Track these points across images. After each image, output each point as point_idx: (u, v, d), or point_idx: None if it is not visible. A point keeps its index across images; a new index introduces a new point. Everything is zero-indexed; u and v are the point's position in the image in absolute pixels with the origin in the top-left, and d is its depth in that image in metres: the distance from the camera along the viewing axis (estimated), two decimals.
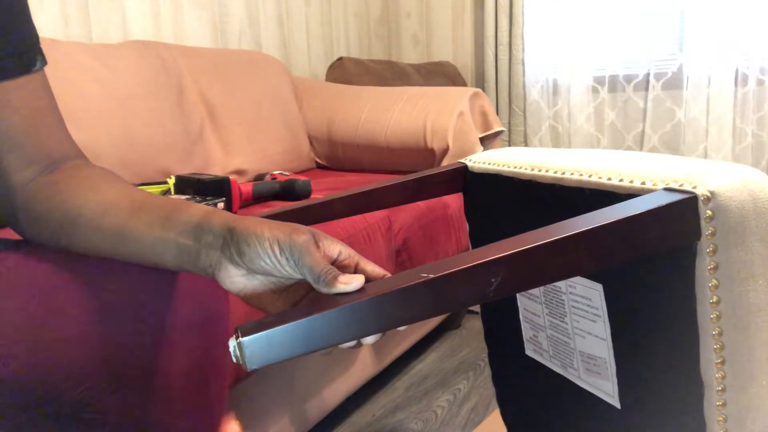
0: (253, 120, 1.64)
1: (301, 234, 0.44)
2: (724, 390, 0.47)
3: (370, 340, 0.44)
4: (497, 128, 1.68)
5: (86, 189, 0.52)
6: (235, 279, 0.45)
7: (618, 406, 0.59)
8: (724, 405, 0.47)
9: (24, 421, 0.45)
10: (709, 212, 0.44)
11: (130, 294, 0.54)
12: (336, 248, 0.46)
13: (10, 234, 0.58)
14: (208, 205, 0.97)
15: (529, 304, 0.70)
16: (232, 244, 0.44)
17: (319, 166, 1.87)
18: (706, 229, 0.44)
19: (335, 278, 0.40)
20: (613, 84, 2.20)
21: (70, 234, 0.52)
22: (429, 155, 1.59)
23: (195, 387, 0.54)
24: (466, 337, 1.65)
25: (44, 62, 0.56)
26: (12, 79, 0.52)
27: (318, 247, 0.44)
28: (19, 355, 0.46)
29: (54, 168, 0.55)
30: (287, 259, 0.42)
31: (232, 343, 0.37)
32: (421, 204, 1.26)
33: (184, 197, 1.03)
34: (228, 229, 0.44)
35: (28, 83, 0.53)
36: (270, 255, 0.42)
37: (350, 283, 0.40)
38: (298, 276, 0.43)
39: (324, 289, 0.41)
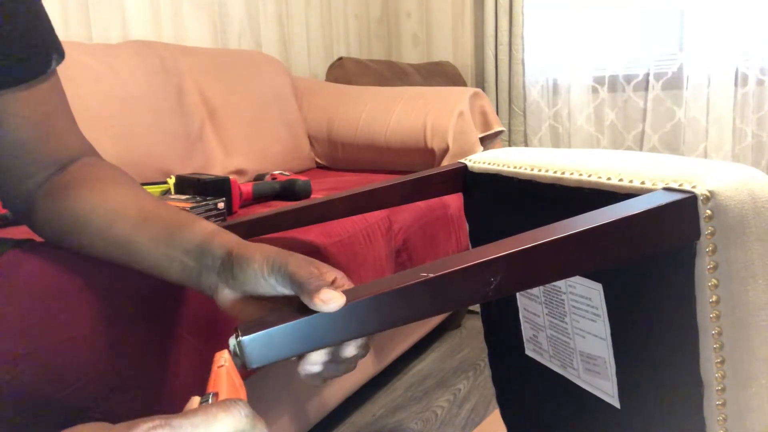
0: (253, 120, 1.64)
1: (294, 254, 0.42)
2: (723, 389, 0.47)
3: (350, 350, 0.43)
4: (497, 128, 1.68)
5: (95, 193, 0.51)
6: (232, 302, 0.44)
7: (618, 405, 0.59)
8: (723, 404, 0.47)
9: (27, 423, 0.45)
10: (708, 212, 0.44)
11: (138, 297, 0.54)
12: (332, 275, 0.43)
13: (21, 233, 0.58)
14: (209, 205, 0.97)
15: (529, 304, 0.70)
16: (228, 269, 0.43)
17: (319, 166, 1.87)
18: (706, 229, 0.44)
19: (318, 289, 0.37)
20: (613, 84, 2.20)
21: (79, 239, 0.52)
22: (429, 155, 1.59)
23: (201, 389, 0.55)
24: (466, 337, 1.65)
25: (60, 59, 0.55)
26: (23, 86, 0.51)
27: (312, 266, 0.42)
28: (25, 357, 0.45)
29: (64, 168, 0.55)
30: (275, 278, 0.41)
31: (232, 341, 0.37)
32: (421, 204, 1.26)
33: (184, 197, 1.03)
34: (226, 253, 0.44)
35: (39, 87, 0.53)
36: (259, 276, 0.41)
37: (328, 302, 0.37)
38: (289, 292, 0.41)
39: (306, 300, 0.38)
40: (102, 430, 0.29)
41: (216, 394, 0.33)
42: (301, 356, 0.44)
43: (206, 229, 0.47)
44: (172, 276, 0.48)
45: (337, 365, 0.43)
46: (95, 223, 0.50)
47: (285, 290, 0.41)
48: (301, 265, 0.40)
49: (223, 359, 0.36)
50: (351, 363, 0.43)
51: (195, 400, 0.33)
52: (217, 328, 0.62)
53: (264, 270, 0.41)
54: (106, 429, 0.29)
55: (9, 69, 0.50)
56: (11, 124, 0.51)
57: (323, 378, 0.44)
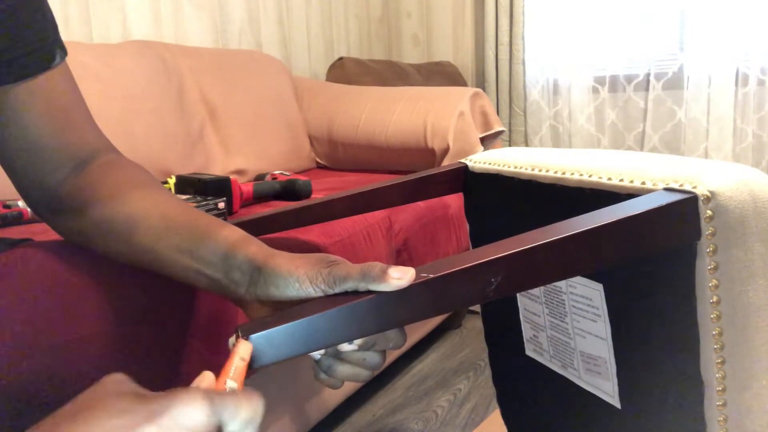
0: (253, 120, 1.64)
1: (324, 256, 0.42)
2: (724, 390, 0.47)
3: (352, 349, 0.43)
4: (498, 128, 1.68)
5: (115, 200, 0.51)
6: (262, 315, 0.44)
7: (618, 406, 0.59)
8: (724, 405, 0.47)
9: (30, 424, 0.45)
10: (709, 212, 0.44)
11: (144, 295, 0.54)
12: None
13: (21, 233, 0.58)
14: (209, 205, 0.97)
15: (530, 304, 0.70)
16: (259, 285, 0.43)
17: (320, 166, 1.87)
18: (706, 229, 0.44)
19: (384, 271, 0.38)
20: (614, 84, 2.20)
21: (104, 246, 0.51)
22: (429, 155, 1.59)
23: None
24: (466, 337, 1.65)
25: (64, 54, 0.54)
26: (32, 78, 0.51)
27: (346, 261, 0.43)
28: (30, 356, 0.45)
29: (83, 167, 0.54)
30: (323, 286, 0.41)
31: (233, 342, 0.37)
32: (421, 204, 1.26)
33: (184, 197, 1.03)
34: (254, 268, 0.43)
35: (49, 80, 0.52)
36: (302, 289, 0.41)
37: (404, 275, 0.38)
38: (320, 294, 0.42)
39: (375, 286, 0.38)
40: (133, 398, 0.29)
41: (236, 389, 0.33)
42: (317, 362, 0.45)
43: (229, 238, 0.46)
44: (201, 286, 0.47)
45: (352, 366, 0.43)
46: (117, 231, 0.49)
47: (329, 292, 0.41)
48: (344, 263, 0.41)
49: (246, 351, 0.35)
50: (374, 361, 0.44)
51: (208, 375, 0.33)
52: (220, 329, 0.62)
53: (309, 283, 0.41)
54: (138, 397, 0.29)
55: (15, 63, 0.49)
56: (24, 118, 0.51)
57: (341, 379, 0.44)
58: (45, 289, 0.49)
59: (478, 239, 0.81)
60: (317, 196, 1.25)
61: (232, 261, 0.44)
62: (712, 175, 0.45)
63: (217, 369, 0.35)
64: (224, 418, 0.30)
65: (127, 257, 0.50)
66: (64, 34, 0.57)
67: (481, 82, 2.48)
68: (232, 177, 1.15)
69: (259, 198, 1.26)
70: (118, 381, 0.31)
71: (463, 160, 0.76)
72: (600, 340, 0.59)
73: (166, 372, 0.56)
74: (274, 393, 0.94)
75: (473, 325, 1.72)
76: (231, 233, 0.47)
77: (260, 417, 0.31)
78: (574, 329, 0.63)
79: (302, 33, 2.14)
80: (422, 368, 1.47)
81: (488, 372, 0.85)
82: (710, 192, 0.44)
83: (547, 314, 0.67)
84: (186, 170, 1.37)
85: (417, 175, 0.75)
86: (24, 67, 0.50)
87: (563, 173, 0.57)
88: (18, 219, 0.98)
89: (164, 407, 0.28)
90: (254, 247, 0.45)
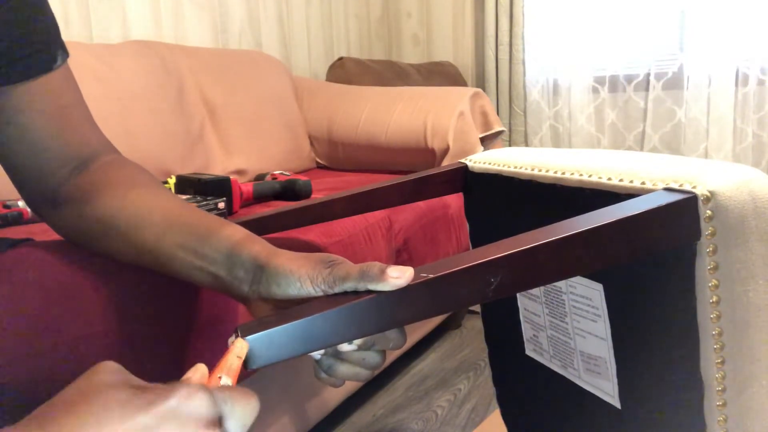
0: (253, 120, 1.64)
1: (325, 256, 0.42)
2: (724, 390, 0.47)
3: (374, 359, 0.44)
4: (498, 128, 1.68)
5: (117, 198, 0.51)
6: (265, 312, 0.44)
7: (618, 406, 0.59)
8: (724, 405, 0.47)
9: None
10: (708, 212, 0.44)
11: (145, 295, 0.54)
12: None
13: (21, 233, 0.58)
14: (209, 205, 0.97)
15: (530, 304, 0.70)
16: (262, 283, 0.43)
17: (320, 166, 1.87)
18: (706, 229, 0.44)
19: (383, 271, 0.38)
20: (614, 84, 2.20)
21: (106, 245, 0.51)
22: (429, 155, 1.59)
23: None
24: (466, 337, 1.65)
25: (65, 56, 0.55)
26: (34, 78, 0.51)
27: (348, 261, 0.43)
28: (30, 356, 0.45)
29: (85, 167, 0.54)
30: (325, 287, 0.41)
31: (232, 341, 0.37)
32: (421, 204, 1.26)
33: (184, 197, 1.03)
34: (258, 266, 0.43)
35: (51, 81, 0.53)
36: (304, 289, 0.41)
37: (403, 274, 0.38)
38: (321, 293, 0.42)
39: (374, 286, 0.38)
40: (129, 389, 0.28)
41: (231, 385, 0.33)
42: (318, 361, 0.45)
43: (233, 236, 0.46)
44: (204, 284, 0.47)
45: (352, 365, 0.44)
46: (120, 229, 0.49)
47: (329, 292, 0.41)
48: (344, 263, 0.41)
49: (243, 350, 0.35)
50: (372, 361, 0.44)
51: (201, 367, 0.33)
52: (220, 329, 0.62)
53: (310, 283, 0.41)
54: (135, 388, 0.29)
55: (17, 64, 0.50)
56: (27, 118, 0.51)
57: (341, 378, 0.44)
58: (45, 289, 0.49)
59: (478, 239, 0.81)
60: (317, 196, 1.25)
61: (235, 258, 0.45)
62: (711, 175, 0.45)
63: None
64: (224, 412, 0.30)
65: (128, 256, 0.50)
66: (65, 34, 0.57)
67: (481, 82, 2.48)
68: (232, 177, 1.15)
69: (259, 198, 1.26)
70: (113, 371, 0.30)
71: (463, 160, 0.76)
72: (600, 340, 0.59)
73: (166, 372, 0.56)
74: (274, 393, 0.94)
75: (473, 325, 1.72)
76: (234, 231, 0.47)
77: (254, 416, 0.31)
78: (574, 329, 0.63)
79: (302, 33, 2.14)
80: (422, 368, 1.47)
81: (488, 372, 0.85)
82: (710, 192, 0.44)
83: (547, 314, 0.67)
84: (186, 170, 1.37)
85: (417, 175, 0.75)
86: (26, 69, 0.50)
87: (563, 173, 0.57)
88: (18, 219, 0.98)
89: (163, 398, 0.28)
90: (258, 246, 0.45)
